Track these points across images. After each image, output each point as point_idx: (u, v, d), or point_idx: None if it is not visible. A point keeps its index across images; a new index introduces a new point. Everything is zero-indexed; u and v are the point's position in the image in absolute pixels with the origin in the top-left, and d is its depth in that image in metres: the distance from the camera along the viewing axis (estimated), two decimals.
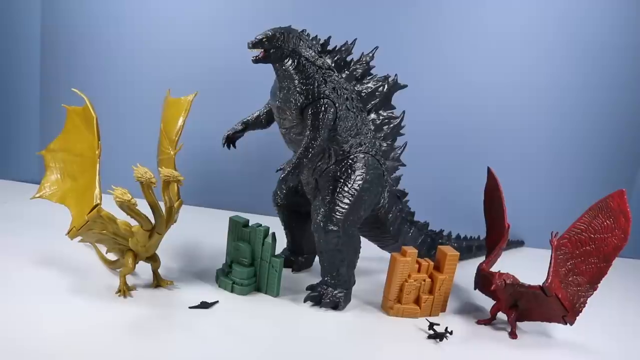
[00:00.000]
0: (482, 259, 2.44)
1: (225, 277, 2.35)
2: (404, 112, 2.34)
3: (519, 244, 3.32)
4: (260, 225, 2.34)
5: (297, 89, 2.04)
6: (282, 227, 2.51)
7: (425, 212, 2.61)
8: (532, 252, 3.25)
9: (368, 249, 2.48)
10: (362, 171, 2.20)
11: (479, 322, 2.25)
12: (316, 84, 2.05)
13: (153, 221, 2.05)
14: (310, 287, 2.33)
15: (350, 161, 2.19)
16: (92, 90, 2.31)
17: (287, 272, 2.48)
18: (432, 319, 2.18)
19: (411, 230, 2.54)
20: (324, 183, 2.24)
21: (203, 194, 3.24)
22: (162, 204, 2.08)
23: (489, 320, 2.24)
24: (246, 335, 1.96)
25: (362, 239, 2.32)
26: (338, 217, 2.15)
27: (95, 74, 3.21)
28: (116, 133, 3.05)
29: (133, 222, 2.06)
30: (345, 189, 2.19)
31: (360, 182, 2.17)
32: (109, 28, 3.14)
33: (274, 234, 2.31)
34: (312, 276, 2.45)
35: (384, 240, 2.52)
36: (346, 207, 2.15)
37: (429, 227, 2.62)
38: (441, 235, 2.71)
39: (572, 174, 3.25)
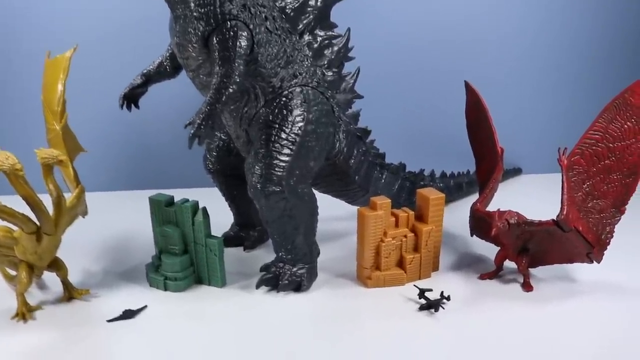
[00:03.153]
0: (475, 197, 2.13)
1: (155, 272, 1.93)
2: (349, 29, 1.98)
3: (516, 172, 2.98)
4: (187, 200, 1.87)
5: (195, 13, 1.63)
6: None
7: (398, 151, 2.31)
8: (533, 180, 2.92)
9: (333, 206, 2.19)
10: (302, 110, 1.77)
11: (482, 277, 1.93)
12: (217, 3, 1.62)
13: (37, 221, 1.70)
14: (264, 268, 1.91)
15: (284, 99, 1.79)
16: None
17: (238, 252, 2.17)
18: (423, 284, 1.84)
19: (383, 176, 2.19)
20: (256, 133, 1.78)
21: (128, 175, 2.89)
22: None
23: (494, 273, 1.93)
24: (183, 345, 1.61)
25: (325, 196, 2.04)
26: (279, 173, 1.70)
27: None
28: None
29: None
30: (283, 135, 1.73)
31: (300, 124, 1.75)
32: None
33: (204, 209, 1.86)
34: (270, 253, 2.04)
35: (350, 193, 2.15)
36: (287, 159, 1.73)
37: (406, 169, 2.29)
38: (422, 177, 2.39)
39: (571, 78, 2.91)
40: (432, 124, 2.83)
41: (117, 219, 2.47)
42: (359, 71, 2.02)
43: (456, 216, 2.22)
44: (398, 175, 2.24)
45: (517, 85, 2.86)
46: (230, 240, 2.17)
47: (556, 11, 2.77)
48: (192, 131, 1.60)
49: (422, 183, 2.34)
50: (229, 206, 2.17)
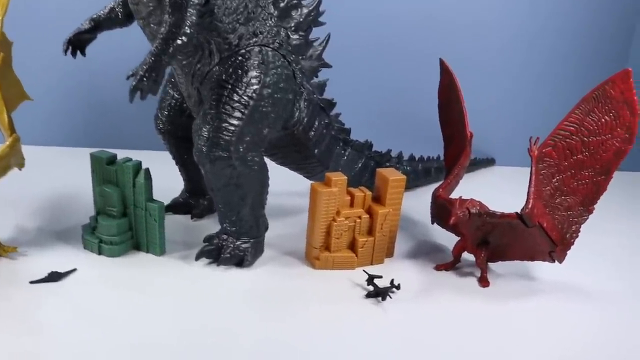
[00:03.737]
0: None
1: (90, 234, 1.80)
2: None
3: (489, 162, 2.86)
4: (130, 160, 1.73)
5: None
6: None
7: (366, 129, 2.18)
8: (506, 172, 2.79)
9: (290, 180, 2.06)
10: (259, 71, 1.64)
11: (437, 268, 1.83)
12: None
13: None
14: (207, 239, 1.78)
15: (240, 58, 1.65)
16: None
17: (185, 220, 2.04)
18: (374, 270, 1.70)
19: (346, 152, 2.07)
20: (208, 93, 1.64)
21: (76, 131, 2.71)
22: None
23: (451, 264, 1.82)
24: (109, 314, 1.49)
25: (282, 169, 1.94)
26: (227, 138, 1.58)
27: None
28: None
29: None
30: (235, 97, 1.60)
31: (256, 86, 1.62)
32: None
33: (147, 170, 1.73)
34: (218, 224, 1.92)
35: (309, 167, 2.01)
36: (238, 123, 1.60)
37: (372, 148, 2.17)
38: (389, 157, 2.25)
39: (554, 69, 2.78)
40: (406, 103, 2.70)
41: (58, 176, 2.32)
42: (329, 38, 1.88)
43: (420, 202, 2.09)
44: (362, 153, 2.12)
45: (498, 72, 2.74)
46: (178, 207, 2.05)
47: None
48: (133, 83, 1.45)
49: (387, 164, 2.21)
50: (179, 171, 2.04)
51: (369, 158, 2.14)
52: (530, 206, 1.56)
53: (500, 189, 2.37)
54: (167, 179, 1.94)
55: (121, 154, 1.81)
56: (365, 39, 2.59)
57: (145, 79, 1.45)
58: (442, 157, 2.42)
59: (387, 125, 2.65)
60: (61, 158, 2.55)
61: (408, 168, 2.32)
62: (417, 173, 2.37)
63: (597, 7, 2.66)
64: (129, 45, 2.00)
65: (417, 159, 2.42)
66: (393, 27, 2.60)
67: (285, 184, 2.06)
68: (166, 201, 2.02)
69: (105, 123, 2.69)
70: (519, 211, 1.57)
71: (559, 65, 2.75)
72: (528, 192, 1.58)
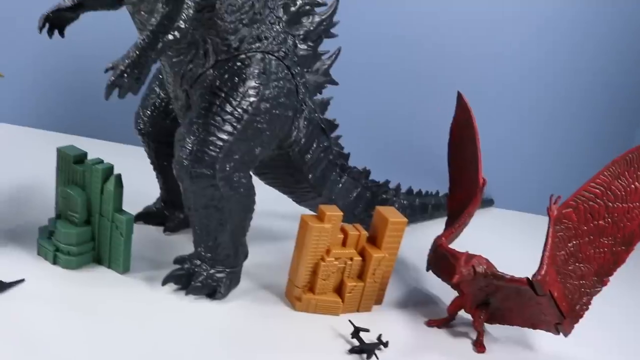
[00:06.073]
0: (439, 222, 1.94)
1: (46, 240, 1.60)
2: (337, 1, 1.67)
3: (488, 203, 2.67)
4: (101, 162, 1.54)
5: None
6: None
7: (365, 155, 2.04)
8: (505, 215, 2.63)
9: (276, 200, 1.87)
10: (258, 82, 1.47)
11: (429, 324, 1.65)
12: None
13: None
14: (178, 261, 1.58)
15: (239, 64, 1.47)
16: None
17: (157, 232, 1.84)
18: (360, 319, 1.53)
19: (342, 179, 1.90)
20: (197, 98, 1.46)
21: (48, 111, 2.50)
22: None
23: (444, 321, 1.65)
24: (54, 337, 1.31)
25: (267, 188, 1.74)
26: (213, 154, 1.40)
27: None
28: None
29: None
30: (227, 108, 1.42)
31: (253, 98, 1.45)
32: None
33: (118, 176, 1.54)
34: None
35: (300, 192, 1.84)
36: (227, 138, 1.42)
37: (369, 177, 1.99)
38: (386, 189, 2.08)
39: (562, 112, 2.63)
40: (409, 131, 2.56)
41: (22, 161, 2.11)
42: (339, 52, 1.73)
43: (414, 241, 1.91)
44: (359, 182, 1.95)
45: (509, 109, 2.60)
46: (151, 216, 1.86)
47: (568, 34, 2.50)
48: (112, 78, 1.26)
49: (384, 196, 2.04)
50: (156, 177, 1.85)
51: (365, 188, 1.97)
52: (543, 273, 1.39)
53: (498, 233, 2.22)
54: (142, 181, 1.75)
55: (97, 144, 1.63)
56: (377, 58, 2.45)
57: (126, 75, 1.26)
58: (440, 193, 2.30)
59: (387, 153, 2.51)
60: (29, 140, 2.34)
61: (405, 202, 2.15)
62: (414, 208, 2.20)
63: (625, 48, 2.51)
64: (115, 29, 1.83)
65: (414, 192, 2.25)
66: (407, 51, 2.47)
67: (269, 203, 1.87)
68: (138, 208, 1.84)
69: (84, 109, 2.48)
70: (530, 277, 1.40)
71: (571, 110, 2.62)
72: (542, 257, 1.42)
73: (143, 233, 1.76)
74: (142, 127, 1.72)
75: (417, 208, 2.23)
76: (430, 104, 2.47)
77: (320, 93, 1.75)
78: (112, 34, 2.03)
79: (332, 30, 1.68)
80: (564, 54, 2.51)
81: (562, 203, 1.48)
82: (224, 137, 1.40)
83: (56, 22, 1.55)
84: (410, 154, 2.55)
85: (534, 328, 1.57)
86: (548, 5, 2.44)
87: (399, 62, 2.48)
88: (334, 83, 1.74)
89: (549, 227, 1.45)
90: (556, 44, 2.49)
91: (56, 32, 1.57)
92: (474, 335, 1.58)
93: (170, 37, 1.29)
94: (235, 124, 1.41)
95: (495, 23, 2.45)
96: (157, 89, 1.69)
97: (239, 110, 1.42)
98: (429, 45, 2.48)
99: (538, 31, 2.47)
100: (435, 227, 2.17)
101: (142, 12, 1.38)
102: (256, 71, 1.46)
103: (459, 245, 1.63)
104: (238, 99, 1.42)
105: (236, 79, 1.44)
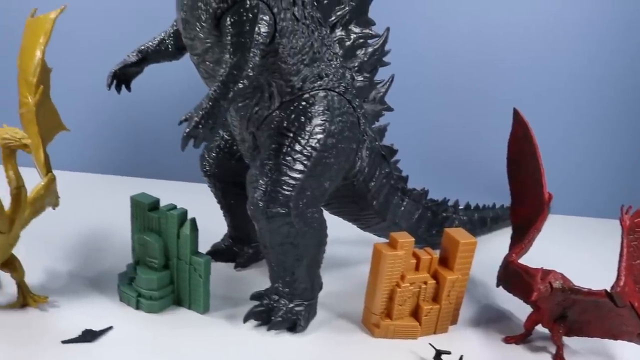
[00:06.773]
0: (499, 234, 1.98)
1: (127, 286, 1.65)
2: (387, 29, 1.71)
3: None
4: (175, 207, 1.60)
5: None
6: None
7: (418, 174, 2.00)
8: (559, 221, 2.52)
9: (340, 225, 1.86)
10: (324, 119, 1.50)
11: (507, 341, 1.65)
12: None
13: None
14: (256, 297, 1.62)
15: (304, 103, 1.51)
16: None
17: (228, 269, 1.89)
18: (438, 340, 1.55)
19: (404, 203, 1.91)
20: (265, 140, 1.50)
21: (113, 158, 2.59)
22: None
23: (521, 337, 1.65)
24: None
25: (332, 217, 1.74)
26: (287, 193, 1.43)
27: None
28: None
29: None
30: (297, 147, 1.46)
31: (320, 135, 1.49)
32: None
33: (193, 220, 1.59)
34: (265, 274, 1.73)
35: (365, 219, 1.87)
36: (299, 176, 1.46)
37: (427, 196, 2.01)
38: (445, 207, 2.09)
39: (616, 116, 2.60)
40: (460, 148, 2.55)
41: (94, 209, 2.18)
42: (392, 79, 1.76)
43: (477, 256, 1.87)
44: (420, 203, 1.96)
45: (559, 112, 2.58)
46: (220, 253, 1.90)
47: (623, 39, 2.46)
48: (187, 130, 1.31)
49: (444, 214, 2.05)
50: (224, 216, 1.89)
51: (425, 208, 1.98)
52: (622, 284, 1.40)
53: (553, 239, 2.20)
54: (207, 218, 1.79)
55: (157, 184, 1.67)
56: (424, 77, 2.46)
57: (201, 126, 1.31)
58: (497, 205, 2.30)
59: (439, 170, 2.51)
60: (94, 186, 2.43)
61: (464, 217, 2.15)
62: (473, 223, 2.20)
63: None
64: (172, 72, 1.90)
65: (472, 207, 2.25)
66: (455, 65, 2.47)
67: (333, 230, 1.90)
68: (206, 244, 1.88)
69: (143, 151, 2.58)
70: (608, 289, 1.41)
71: (625, 114, 2.58)
72: (619, 268, 1.42)
73: (215, 270, 1.79)
74: (208, 169, 1.78)
75: (477, 222, 2.23)
76: (480, 119, 2.47)
77: (377, 120, 1.78)
78: (170, 77, 2.11)
79: (385, 59, 1.72)
80: (618, 60, 2.50)
81: (634, 212, 1.48)
82: (296, 175, 1.44)
83: (122, 77, 1.62)
84: (462, 169, 2.55)
85: (615, 339, 1.56)
86: (602, 13, 2.43)
87: (449, 78, 2.48)
88: (390, 109, 1.77)
89: (622, 238, 1.45)
90: (613, 52, 2.48)
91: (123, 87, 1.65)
92: (553, 350, 1.58)
93: (240, 85, 1.33)
94: (305, 162, 1.46)
95: (541, 36, 2.45)
96: (221, 131, 1.74)
97: (308, 148, 1.46)
98: (482, 60, 2.48)
99: (595, 40, 2.47)
100: (496, 239, 2.18)
101: (207, 62, 1.43)
102: (321, 109, 1.50)
103: (524, 258, 1.65)
104: (306, 138, 1.47)
105: (302, 118, 1.49)
